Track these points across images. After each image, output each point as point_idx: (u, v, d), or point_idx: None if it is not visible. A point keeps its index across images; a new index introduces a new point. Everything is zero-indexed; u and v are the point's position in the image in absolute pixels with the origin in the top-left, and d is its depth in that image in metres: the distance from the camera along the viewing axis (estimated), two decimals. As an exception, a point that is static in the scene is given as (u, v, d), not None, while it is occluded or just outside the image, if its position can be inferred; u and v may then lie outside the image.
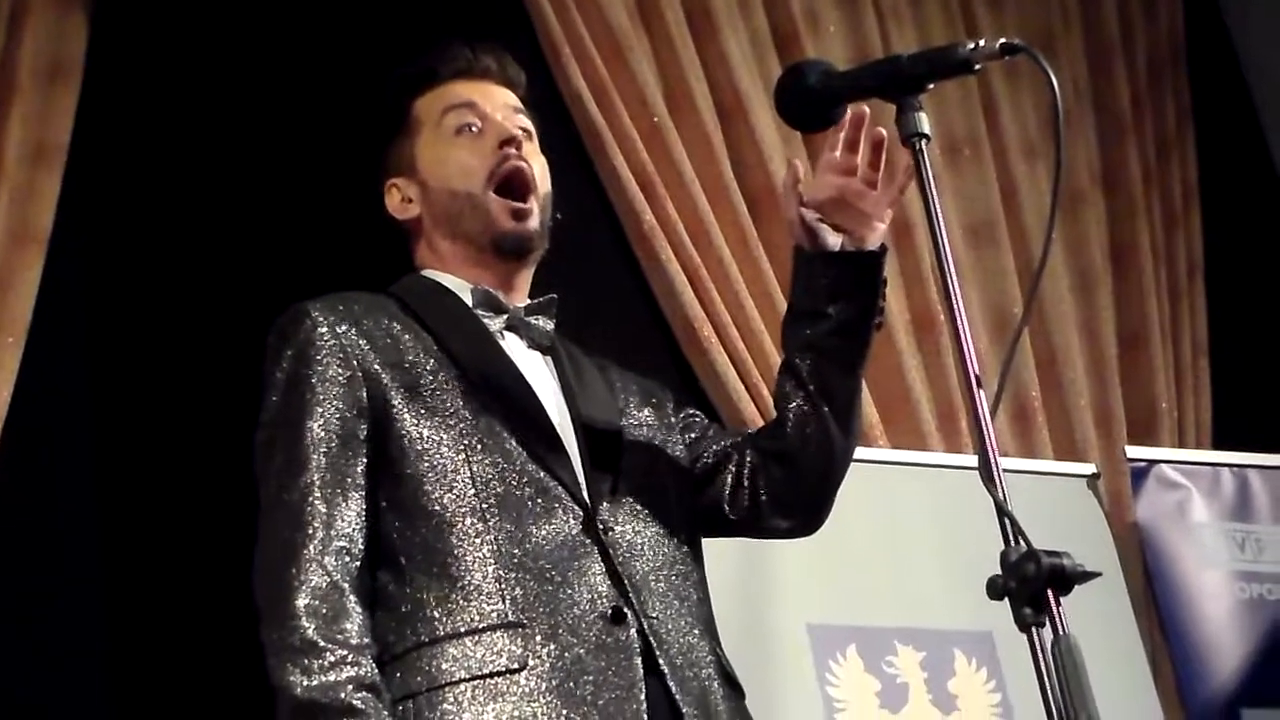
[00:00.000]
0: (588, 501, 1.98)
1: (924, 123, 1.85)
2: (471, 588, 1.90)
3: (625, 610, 1.91)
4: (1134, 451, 3.94)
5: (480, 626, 1.88)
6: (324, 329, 2.01)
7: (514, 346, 2.11)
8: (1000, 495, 1.67)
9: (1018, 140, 4.23)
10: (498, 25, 3.57)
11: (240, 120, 3.44)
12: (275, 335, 2.04)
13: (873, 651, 3.42)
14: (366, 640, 1.86)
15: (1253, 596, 3.86)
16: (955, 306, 1.79)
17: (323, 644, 1.82)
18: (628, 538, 1.99)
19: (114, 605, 3.19)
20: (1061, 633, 1.58)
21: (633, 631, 1.91)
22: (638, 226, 3.64)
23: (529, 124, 2.22)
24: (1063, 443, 3.96)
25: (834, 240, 2.11)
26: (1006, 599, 1.62)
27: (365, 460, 1.96)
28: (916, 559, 3.53)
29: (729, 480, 2.16)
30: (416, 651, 1.88)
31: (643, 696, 1.87)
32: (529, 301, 2.17)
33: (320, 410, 1.96)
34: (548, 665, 1.86)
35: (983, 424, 1.71)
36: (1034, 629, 1.59)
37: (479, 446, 1.97)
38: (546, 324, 2.15)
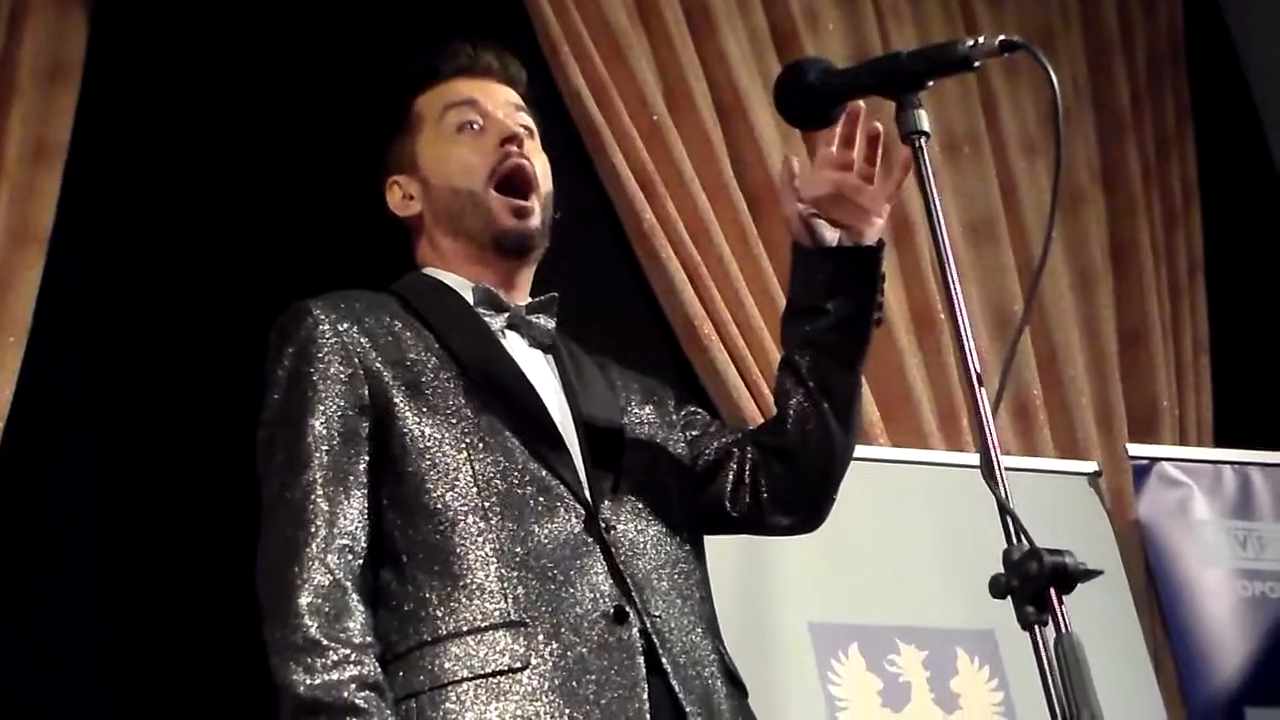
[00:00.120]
0: (589, 500, 1.98)
1: (924, 120, 1.85)
2: (474, 586, 1.90)
3: (627, 609, 1.91)
4: (1135, 449, 3.93)
5: (482, 625, 1.87)
6: (325, 326, 2.00)
7: (515, 345, 2.11)
8: (1002, 493, 1.67)
9: (1017, 137, 4.23)
10: (497, 23, 3.57)
11: (241, 119, 3.44)
12: (277, 333, 2.04)
13: (875, 650, 3.41)
14: (369, 639, 1.86)
15: (1255, 594, 3.86)
16: (956, 304, 1.78)
17: (325, 643, 1.82)
18: (630, 536, 1.99)
19: (115, 605, 3.19)
20: (1064, 631, 1.58)
21: (635, 630, 1.91)
22: (637, 225, 3.64)
23: (530, 122, 2.23)
24: (1064, 441, 3.96)
25: (832, 235, 2.11)
26: (1009, 597, 1.62)
27: (367, 458, 1.96)
28: (918, 558, 3.53)
29: (730, 477, 2.16)
30: (419, 650, 1.88)
31: (645, 696, 1.87)
32: (530, 300, 2.17)
33: (322, 408, 1.96)
34: (550, 664, 1.86)
35: (984, 422, 1.71)
36: (1036, 627, 1.59)
37: (481, 445, 1.97)
38: (547, 322, 2.15)
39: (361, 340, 2.01)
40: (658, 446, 2.13)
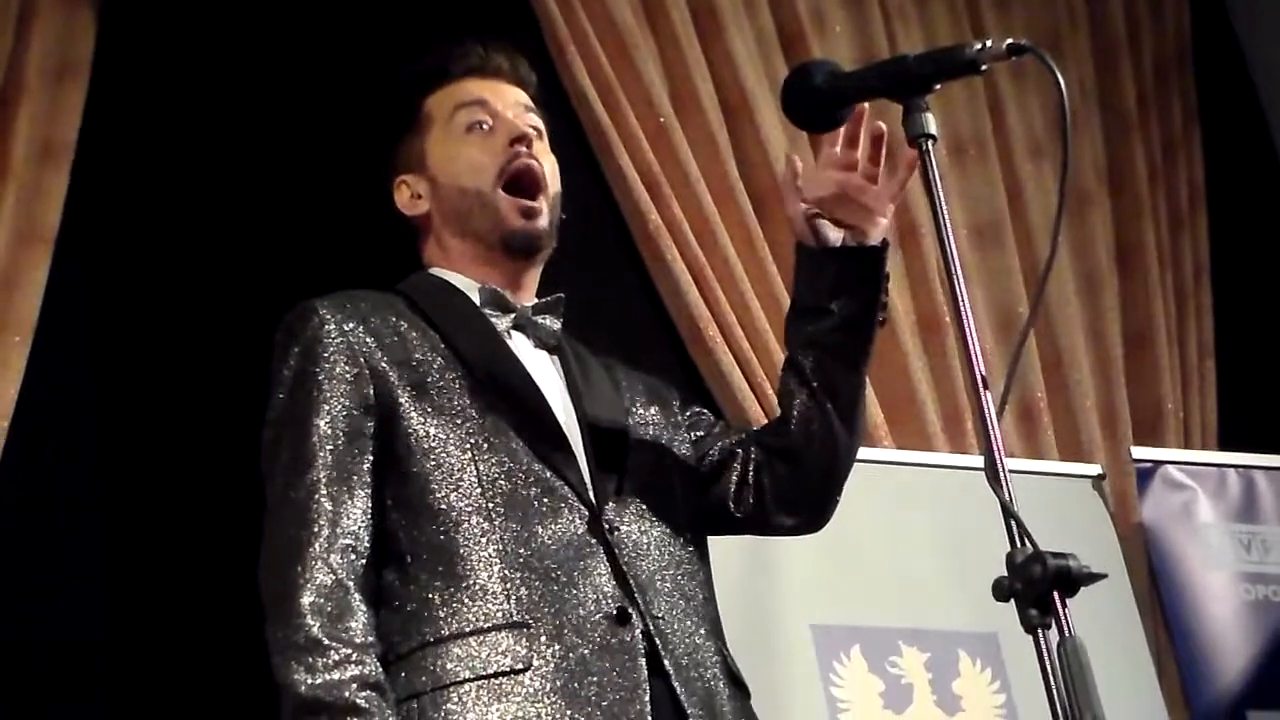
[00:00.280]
0: (593, 501, 1.98)
1: (930, 123, 1.85)
2: (477, 587, 1.90)
3: (630, 611, 1.91)
4: (1139, 452, 3.93)
5: (485, 626, 1.88)
6: (331, 326, 2.01)
7: (521, 346, 2.11)
8: (1006, 496, 1.67)
9: (1024, 140, 4.23)
10: (503, 24, 3.57)
11: (248, 119, 3.45)
12: (283, 332, 2.04)
13: (877, 652, 3.41)
14: (371, 639, 1.86)
15: (1258, 598, 3.85)
16: (962, 307, 1.78)
17: (327, 642, 1.82)
18: (633, 537, 1.99)
19: (119, 604, 3.19)
20: (1067, 634, 1.57)
21: (637, 632, 1.91)
22: (643, 226, 3.64)
23: (539, 123, 2.23)
24: (1068, 444, 3.96)
25: (836, 236, 2.11)
26: (1012, 600, 1.62)
27: (372, 458, 1.96)
28: (921, 560, 3.52)
29: (734, 478, 2.16)
30: (421, 651, 1.88)
31: (647, 698, 1.87)
32: (536, 301, 2.17)
33: (327, 408, 1.96)
34: (552, 666, 1.86)
35: (989, 425, 1.71)
36: (1040, 630, 1.59)
37: (485, 446, 1.97)
38: (553, 323, 2.15)
39: (367, 340, 2.01)
40: (662, 448, 2.13)
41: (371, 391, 1.98)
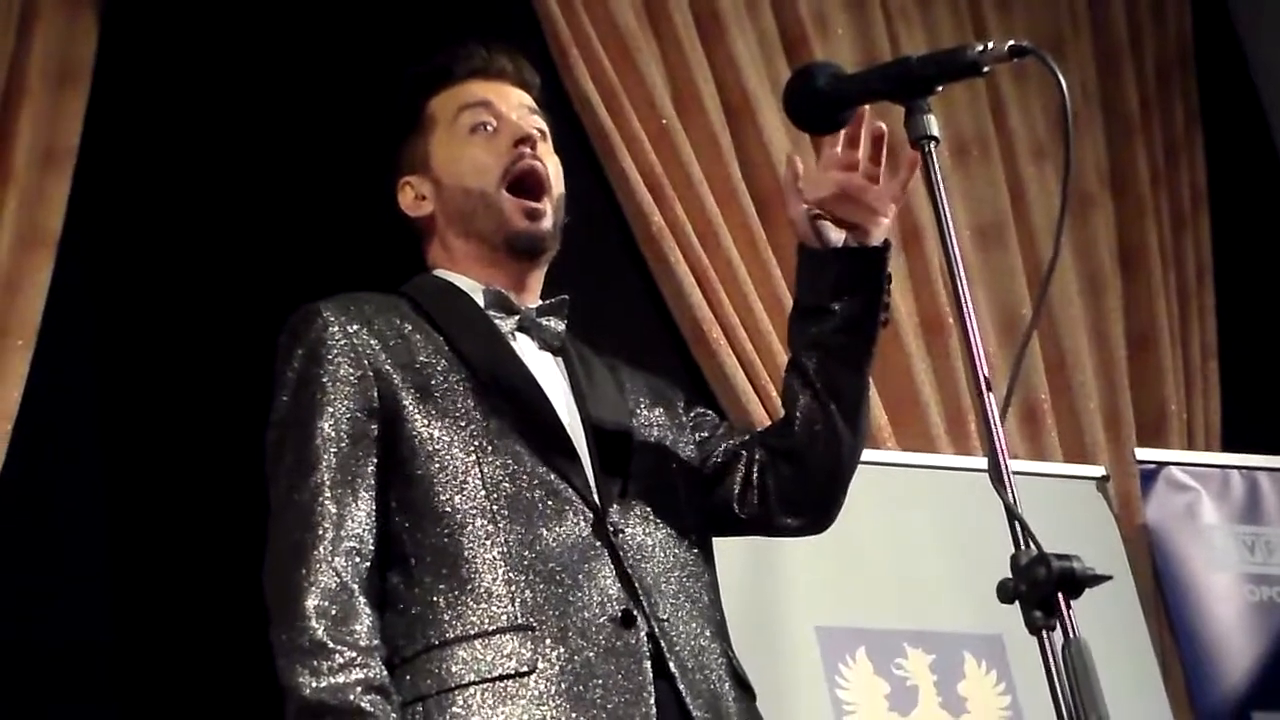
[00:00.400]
0: (598, 503, 1.98)
1: (933, 125, 1.85)
2: (481, 590, 1.89)
3: (635, 613, 1.91)
4: (1143, 454, 3.93)
5: (490, 629, 1.87)
6: (335, 328, 2.01)
7: (525, 347, 2.11)
8: (1010, 498, 1.67)
9: (1026, 142, 4.23)
10: (506, 26, 3.57)
11: (250, 122, 3.45)
12: (286, 335, 2.04)
13: (882, 654, 3.41)
14: (376, 642, 1.86)
15: (1262, 599, 3.85)
16: (965, 309, 1.78)
17: (332, 645, 1.82)
18: (638, 540, 1.99)
19: (121, 606, 3.19)
20: (1072, 636, 1.57)
21: (642, 635, 1.91)
22: (646, 228, 3.64)
23: (543, 124, 2.23)
24: (1072, 445, 3.96)
25: (837, 236, 2.11)
26: (1017, 602, 1.62)
27: (376, 460, 1.96)
28: (925, 561, 3.52)
29: (738, 479, 2.16)
30: (426, 654, 1.88)
31: (652, 700, 1.87)
32: (540, 302, 2.17)
33: (331, 410, 1.96)
34: (557, 669, 1.86)
35: (992, 426, 1.71)
36: (1044, 632, 1.59)
37: (490, 448, 1.97)
38: (558, 325, 2.15)
39: (371, 342, 2.01)
40: (666, 449, 2.13)
41: (375, 394, 1.98)
